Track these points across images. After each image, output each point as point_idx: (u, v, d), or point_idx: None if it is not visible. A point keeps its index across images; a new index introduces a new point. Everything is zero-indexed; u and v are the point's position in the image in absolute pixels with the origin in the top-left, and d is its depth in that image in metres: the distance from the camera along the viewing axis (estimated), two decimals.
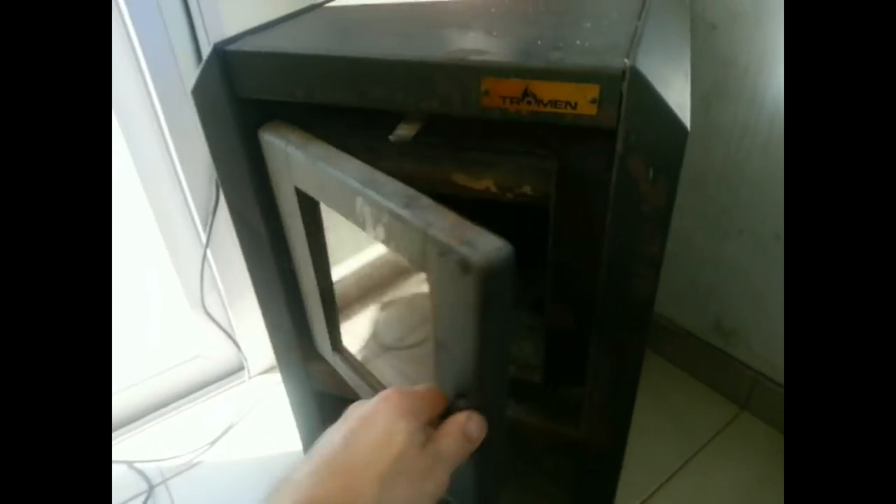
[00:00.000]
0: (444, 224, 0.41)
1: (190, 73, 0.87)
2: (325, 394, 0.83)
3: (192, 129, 0.92)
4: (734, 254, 1.02)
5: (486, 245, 0.38)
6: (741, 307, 1.05)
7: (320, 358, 0.76)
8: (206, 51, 0.85)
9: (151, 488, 1.05)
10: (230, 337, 1.19)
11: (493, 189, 0.58)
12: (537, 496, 1.00)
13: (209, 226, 1.01)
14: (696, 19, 0.90)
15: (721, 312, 1.09)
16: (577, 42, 0.51)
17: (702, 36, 0.90)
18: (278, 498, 0.34)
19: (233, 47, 0.54)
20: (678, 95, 0.46)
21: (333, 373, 0.76)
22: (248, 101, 0.57)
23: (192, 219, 1.03)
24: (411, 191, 0.46)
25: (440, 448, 0.40)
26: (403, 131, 0.50)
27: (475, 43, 0.53)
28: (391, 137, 0.50)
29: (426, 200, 0.44)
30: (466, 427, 0.42)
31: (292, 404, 0.87)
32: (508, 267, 0.38)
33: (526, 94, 0.46)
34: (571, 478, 0.75)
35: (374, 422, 0.39)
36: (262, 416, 1.18)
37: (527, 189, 0.57)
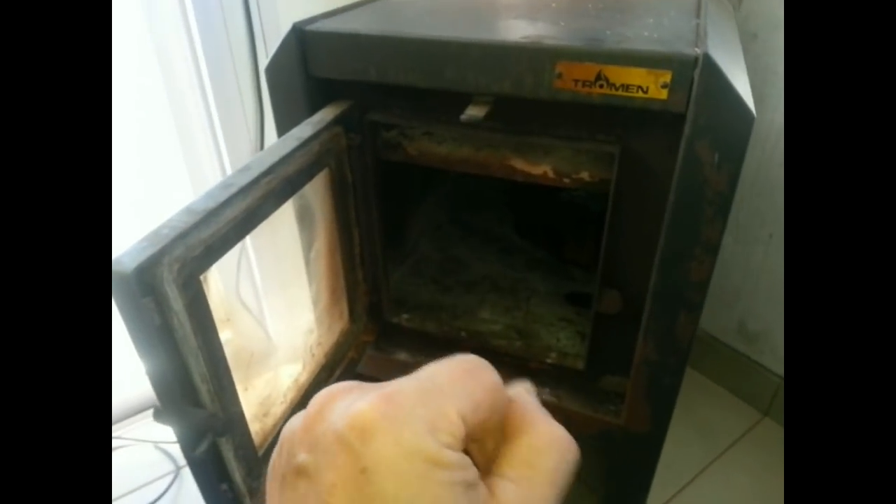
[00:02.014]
0: None
1: (242, 60, 0.90)
2: (360, 376, 0.85)
3: (237, 110, 0.94)
4: (763, 258, 1.04)
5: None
6: (767, 311, 1.07)
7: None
8: (261, 35, 0.88)
9: (178, 469, 1.06)
10: (261, 326, 1.20)
11: (551, 174, 0.60)
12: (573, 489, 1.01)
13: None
14: (738, 28, 0.92)
15: (746, 316, 1.11)
16: (645, 34, 0.53)
17: (743, 44, 0.92)
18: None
19: (311, 27, 0.56)
20: (742, 85, 0.48)
21: (372, 355, 0.77)
22: (318, 80, 0.59)
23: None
24: None
25: None
26: (474, 111, 0.53)
27: (545, 30, 0.55)
28: (462, 117, 0.52)
29: None
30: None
31: None
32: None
33: (599, 77, 0.48)
34: (607, 468, 0.77)
35: None
36: None
37: (584, 175, 0.59)
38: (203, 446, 0.44)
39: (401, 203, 0.92)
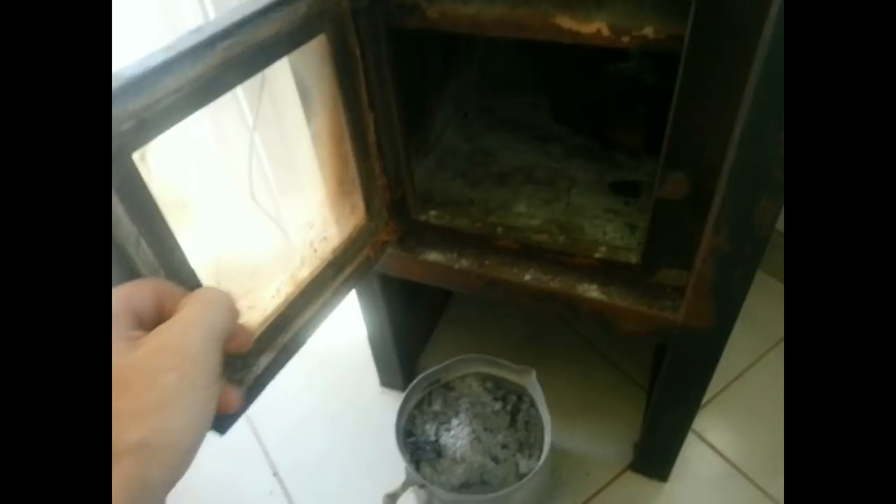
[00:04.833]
0: None
1: None
2: (387, 276, 0.79)
3: None
4: None
5: None
6: None
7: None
8: None
9: None
10: (279, 227, 1.14)
11: (606, 32, 0.49)
12: (615, 382, 0.98)
13: (257, 108, 0.94)
14: None
15: None
16: None
17: None
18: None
19: None
20: None
21: (399, 255, 0.71)
22: None
23: (238, 100, 0.95)
24: None
25: (180, 321, 0.31)
26: None
27: None
28: None
29: None
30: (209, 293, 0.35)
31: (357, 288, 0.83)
32: None
33: None
34: (662, 366, 0.71)
35: None
36: None
37: (648, 31, 0.48)
38: None
39: (421, 86, 0.82)
